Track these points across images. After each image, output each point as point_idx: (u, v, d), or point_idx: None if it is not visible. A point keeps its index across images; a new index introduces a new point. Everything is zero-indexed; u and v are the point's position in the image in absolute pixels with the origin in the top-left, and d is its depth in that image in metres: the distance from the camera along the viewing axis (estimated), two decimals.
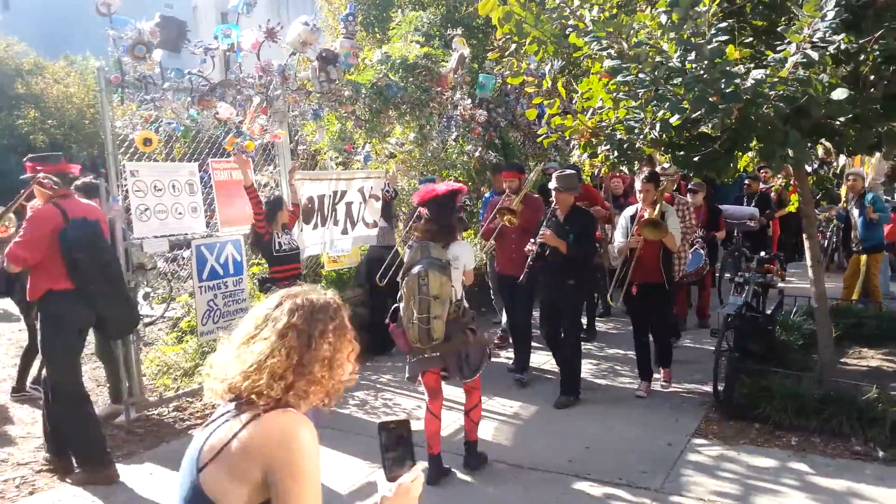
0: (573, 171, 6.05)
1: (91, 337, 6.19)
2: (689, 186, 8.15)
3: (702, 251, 7.65)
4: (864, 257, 8.32)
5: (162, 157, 6.40)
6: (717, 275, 9.28)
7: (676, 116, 4.01)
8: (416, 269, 4.24)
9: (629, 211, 6.11)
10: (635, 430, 5.24)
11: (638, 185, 5.87)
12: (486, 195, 7.76)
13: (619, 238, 6.11)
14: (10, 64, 25.38)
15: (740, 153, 4.60)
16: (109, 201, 5.50)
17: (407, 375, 4.59)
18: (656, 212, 5.73)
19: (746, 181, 10.21)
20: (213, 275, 6.07)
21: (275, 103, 6.26)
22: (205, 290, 6.03)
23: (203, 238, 6.09)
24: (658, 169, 6.43)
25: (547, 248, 5.69)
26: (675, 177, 7.50)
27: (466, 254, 4.49)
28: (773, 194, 10.77)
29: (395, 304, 4.51)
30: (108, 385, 6.21)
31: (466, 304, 4.53)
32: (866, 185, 8.76)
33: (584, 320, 7.45)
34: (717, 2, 3.90)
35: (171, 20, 5.51)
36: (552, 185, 5.80)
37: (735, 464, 4.63)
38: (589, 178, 8.33)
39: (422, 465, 1.63)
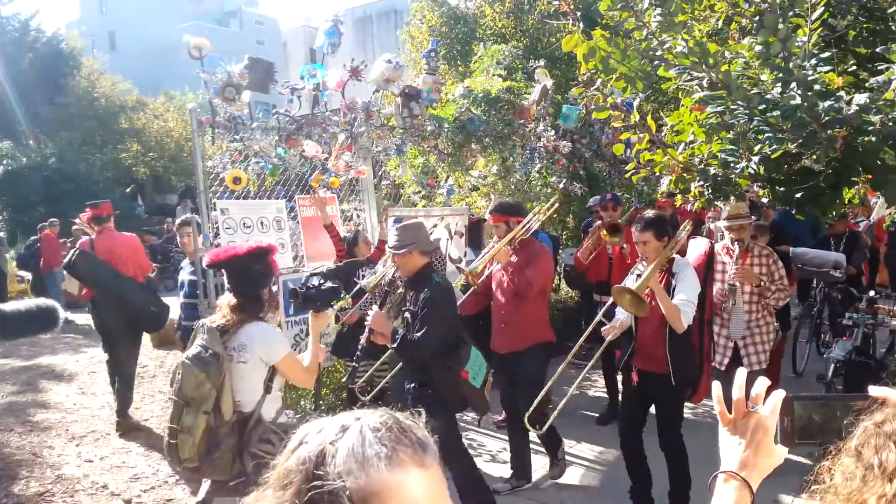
0: (417, 222, 4.50)
1: None
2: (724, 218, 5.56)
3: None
4: None
5: (255, 188, 6.57)
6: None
7: (774, 147, 3.79)
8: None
9: (637, 268, 4.56)
10: None
11: (634, 234, 4.48)
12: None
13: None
14: (116, 101, 26.98)
15: (846, 188, 4.30)
16: (201, 238, 5.68)
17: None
18: (646, 273, 4.19)
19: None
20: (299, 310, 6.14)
21: (359, 140, 6.33)
22: (291, 325, 6.11)
23: (290, 273, 6.18)
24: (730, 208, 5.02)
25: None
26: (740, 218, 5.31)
27: (265, 340, 3.22)
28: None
29: None
30: None
31: (269, 416, 3.25)
32: None
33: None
34: (817, 31, 3.68)
35: (260, 62, 5.67)
36: (389, 241, 4.25)
37: None
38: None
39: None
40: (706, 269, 4.57)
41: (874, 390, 1.05)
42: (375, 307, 4.25)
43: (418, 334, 3.88)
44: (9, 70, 23.36)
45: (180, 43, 5.71)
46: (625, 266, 5.83)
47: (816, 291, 7.81)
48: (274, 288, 6.70)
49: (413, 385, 4.15)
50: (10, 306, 1.13)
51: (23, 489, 5.14)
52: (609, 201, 6.44)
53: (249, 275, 3.23)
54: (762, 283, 4.87)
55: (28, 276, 16.30)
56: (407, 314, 4.07)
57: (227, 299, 3.29)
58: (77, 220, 8.28)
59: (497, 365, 4.88)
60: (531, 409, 4.58)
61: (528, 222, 5.24)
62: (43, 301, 1.15)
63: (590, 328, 4.93)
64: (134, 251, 7.05)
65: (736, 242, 4.98)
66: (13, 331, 1.11)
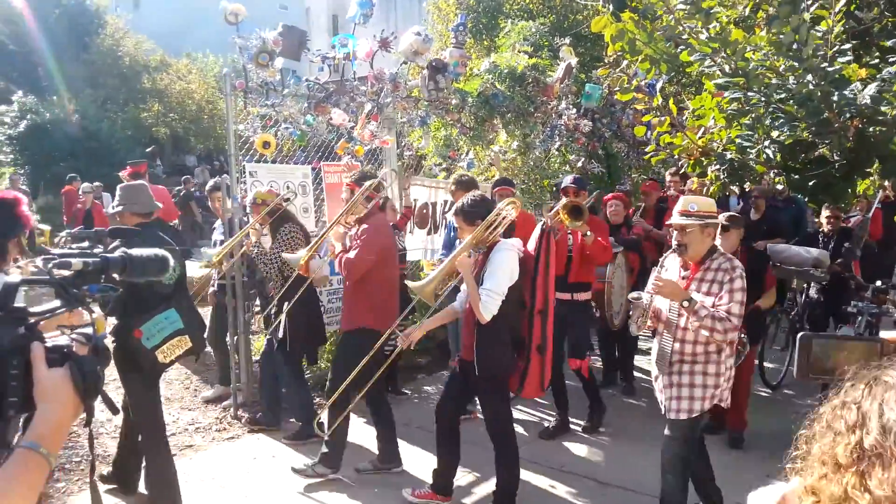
0: (139, 183, 4.45)
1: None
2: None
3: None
4: None
5: (271, 154, 6.73)
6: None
7: (789, 134, 3.91)
8: None
9: None
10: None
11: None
12: None
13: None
14: (139, 60, 27.12)
15: (859, 178, 4.42)
16: (231, 199, 5.86)
17: None
18: (443, 265, 4.10)
19: (824, 215, 7.15)
20: None
21: (385, 110, 6.46)
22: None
23: (312, 237, 6.35)
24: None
25: None
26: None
27: None
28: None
29: None
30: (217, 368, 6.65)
31: None
32: None
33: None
34: (840, 22, 3.77)
35: (293, 30, 5.81)
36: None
37: None
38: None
39: None
40: (537, 255, 4.18)
41: (885, 334, 1.20)
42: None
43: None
44: (36, 25, 23.54)
45: (203, 4, 5.85)
46: (585, 259, 5.44)
47: (795, 295, 6.91)
48: None
49: None
50: (135, 252, 1.35)
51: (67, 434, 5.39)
52: (571, 185, 5.58)
53: None
54: (689, 303, 3.57)
55: (47, 227, 16.62)
56: None
57: None
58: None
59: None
60: (329, 401, 4.56)
61: (361, 195, 4.68)
62: (159, 251, 1.36)
63: (401, 316, 4.70)
64: (164, 200, 8.53)
65: (678, 247, 3.75)
66: (136, 272, 1.30)
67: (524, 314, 4.14)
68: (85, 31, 25.78)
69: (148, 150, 24.15)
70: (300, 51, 5.81)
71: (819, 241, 7.09)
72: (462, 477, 4.77)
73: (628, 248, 6.46)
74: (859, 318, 5.75)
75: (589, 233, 5.17)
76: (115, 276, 1.36)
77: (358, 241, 4.53)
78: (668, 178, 7.81)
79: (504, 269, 3.94)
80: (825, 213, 7.02)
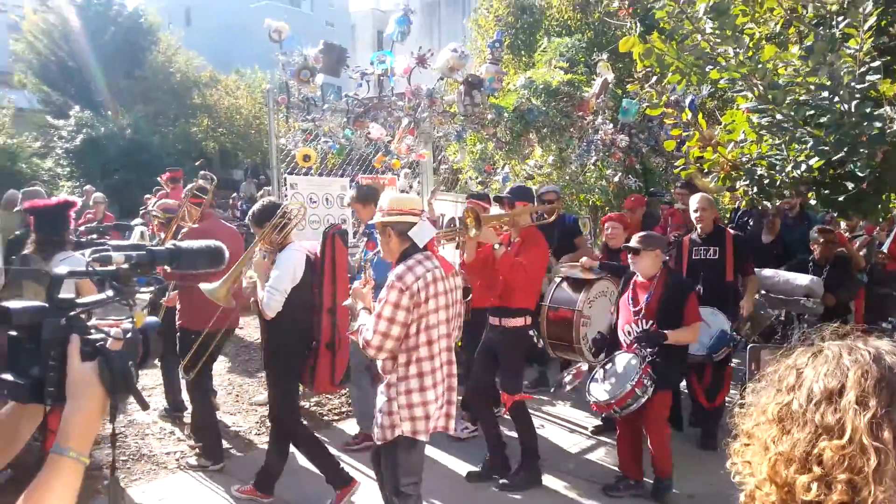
0: (34, 189, 4.96)
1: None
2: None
3: (728, 328, 5.08)
4: None
5: (317, 168, 6.95)
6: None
7: (816, 158, 3.93)
8: None
9: None
10: None
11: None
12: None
13: None
14: (190, 76, 27.93)
15: (893, 195, 4.40)
16: None
17: None
18: (234, 266, 4.27)
19: (816, 241, 6.23)
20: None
21: (421, 125, 6.63)
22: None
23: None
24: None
25: None
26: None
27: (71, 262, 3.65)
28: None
29: None
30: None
31: None
32: None
33: None
34: (870, 39, 3.79)
35: (333, 47, 6.03)
36: None
37: None
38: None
39: None
40: (322, 257, 4.42)
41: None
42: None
43: None
44: (92, 42, 24.48)
45: (252, 21, 6.14)
46: (517, 280, 4.59)
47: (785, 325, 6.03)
48: None
49: None
50: (184, 244, 1.34)
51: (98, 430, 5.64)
52: (505, 196, 5.16)
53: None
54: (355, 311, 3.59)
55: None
56: None
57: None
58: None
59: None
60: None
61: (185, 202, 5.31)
62: (213, 242, 1.34)
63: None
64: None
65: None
66: (185, 264, 1.28)
67: (316, 313, 4.40)
68: (139, 48, 26.71)
69: (197, 163, 24.85)
70: (339, 67, 6.02)
71: (809, 269, 6.13)
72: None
73: (614, 274, 5.54)
74: (895, 333, 5.67)
75: (498, 245, 4.56)
76: (166, 268, 1.40)
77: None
78: (674, 191, 7.65)
79: (286, 268, 4.17)
80: (816, 237, 6.19)
